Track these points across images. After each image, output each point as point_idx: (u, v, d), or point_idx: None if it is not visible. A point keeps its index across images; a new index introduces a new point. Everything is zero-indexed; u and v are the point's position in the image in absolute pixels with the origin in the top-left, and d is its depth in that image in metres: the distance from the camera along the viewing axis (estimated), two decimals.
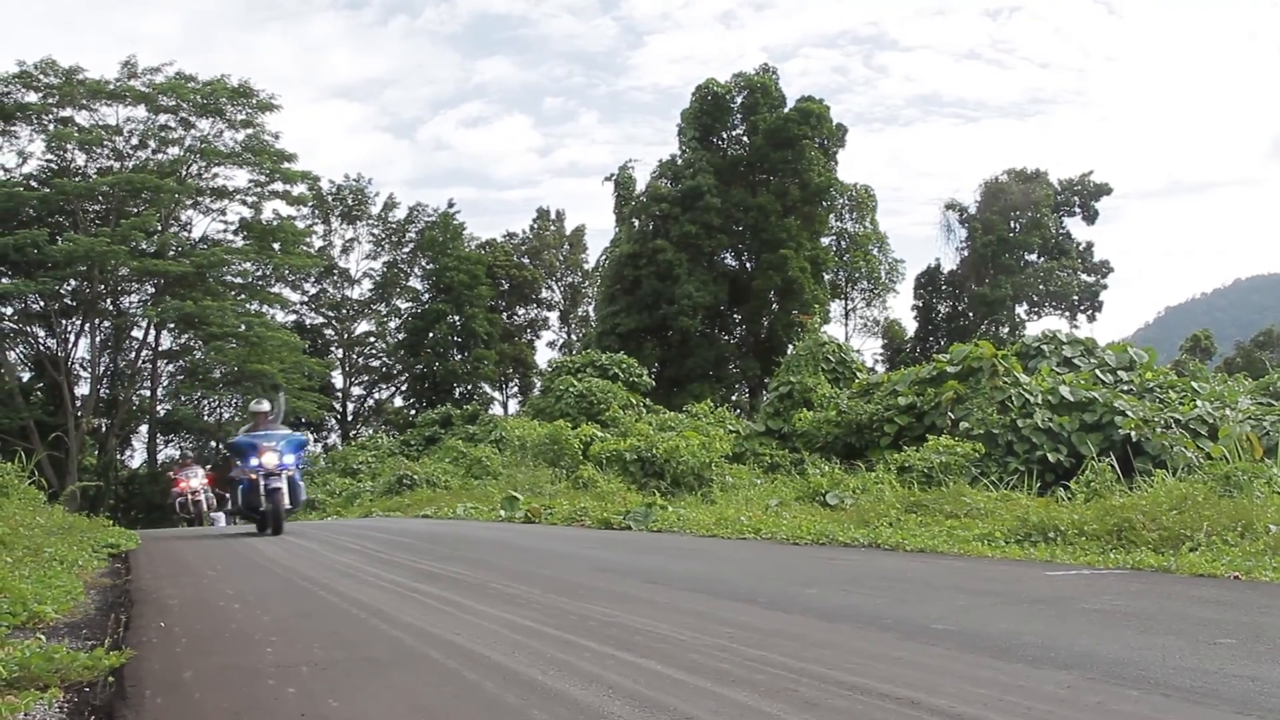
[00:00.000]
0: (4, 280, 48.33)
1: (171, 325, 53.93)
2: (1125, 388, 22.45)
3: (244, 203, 56.92)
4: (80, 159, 52.72)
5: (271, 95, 54.00)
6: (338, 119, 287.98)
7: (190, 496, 31.84)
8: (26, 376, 53.81)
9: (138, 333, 56.27)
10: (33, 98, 49.84)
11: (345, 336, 72.53)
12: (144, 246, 50.92)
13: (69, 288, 52.02)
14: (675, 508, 18.62)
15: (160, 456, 60.14)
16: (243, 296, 56.89)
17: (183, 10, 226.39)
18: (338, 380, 71.26)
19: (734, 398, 63.60)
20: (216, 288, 54.16)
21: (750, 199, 63.04)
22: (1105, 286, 75.78)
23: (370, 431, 67.39)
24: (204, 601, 8.42)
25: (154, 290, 53.99)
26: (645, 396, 43.25)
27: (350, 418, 72.80)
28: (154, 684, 5.06)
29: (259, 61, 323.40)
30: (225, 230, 57.68)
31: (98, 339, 53.76)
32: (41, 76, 49.21)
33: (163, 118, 53.03)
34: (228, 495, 40.65)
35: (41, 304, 51.09)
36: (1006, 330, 69.85)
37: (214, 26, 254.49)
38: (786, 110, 63.82)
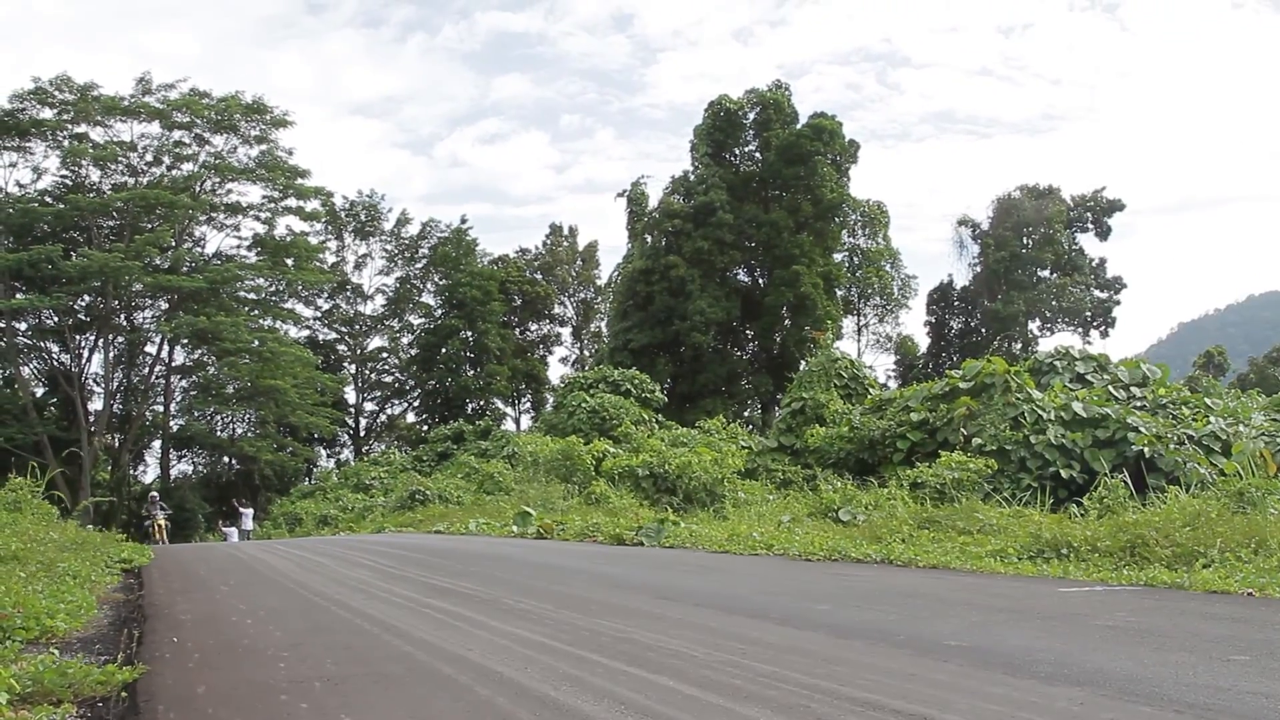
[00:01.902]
0: (18, 296, 48.56)
1: (185, 341, 54.11)
2: (1138, 404, 22.43)
3: (257, 219, 57.30)
4: (95, 175, 53.07)
5: (285, 112, 54.36)
6: (356, 136, 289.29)
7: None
8: (40, 392, 54.04)
9: (151, 348, 56.61)
10: (48, 114, 50.14)
11: (358, 352, 72.67)
12: (158, 262, 51.18)
13: (83, 303, 52.32)
14: (687, 524, 18.59)
15: (173, 472, 60.38)
16: (256, 312, 57.11)
17: (202, 29, 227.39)
18: (350, 396, 71.51)
19: (746, 413, 63.56)
20: (230, 303, 54.38)
21: (763, 215, 63.09)
22: (1118, 302, 75.68)
23: (383, 447, 67.44)
24: (217, 617, 8.43)
25: (167, 306, 54.22)
26: (657, 412, 43.26)
27: (363, 433, 72.91)
28: (167, 699, 5.07)
29: (277, 79, 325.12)
30: (239, 246, 58.11)
31: (111, 354, 53.96)
32: (56, 93, 49.52)
33: (177, 134, 53.36)
34: (242, 512, 41.04)
35: (56, 319, 51.34)
36: (1019, 346, 69.75)
37: (233, 45, 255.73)
38: (799, 126, 63.87)
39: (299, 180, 55.69)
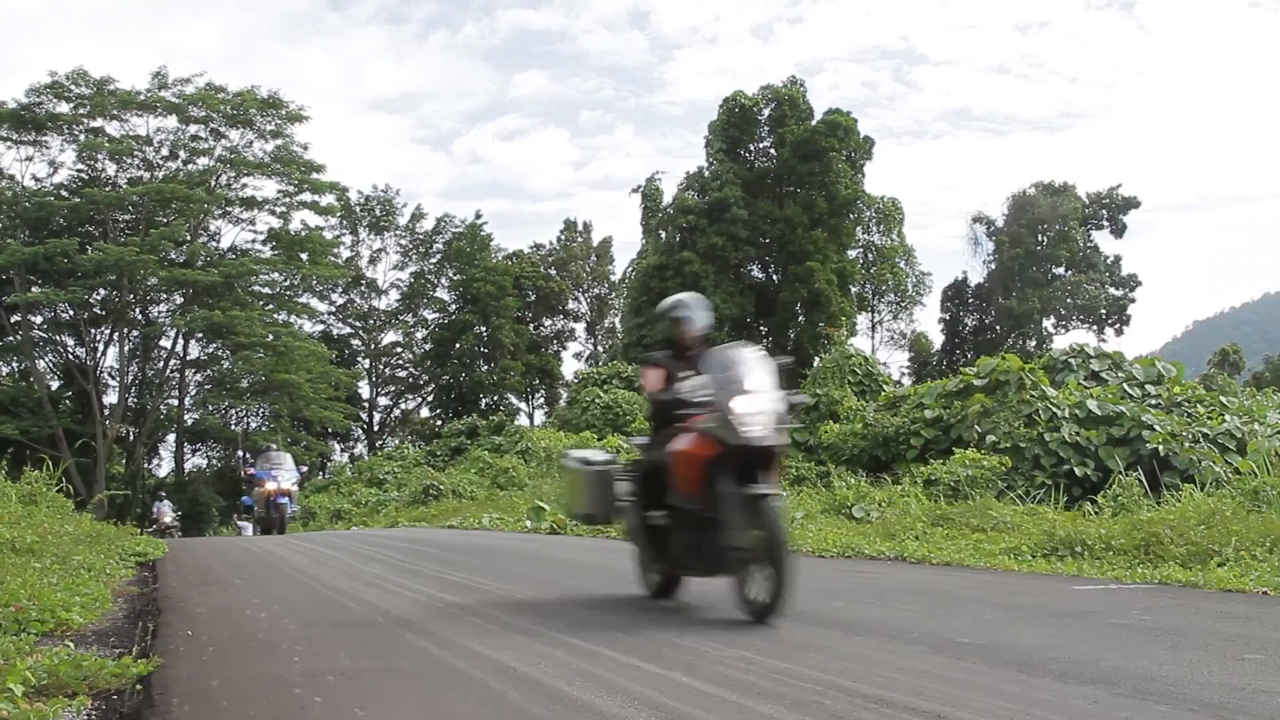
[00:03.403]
0: (34, 289, 48.70)
1: (200, 335, 54.22)
2: (1153, 402, 22.33)
3: (273, 213, 57.22)
4: (111, 169, 53.14)
5: (300, 106, 54.33)
6: (376, 131, 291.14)
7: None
8: (56, 385, 54.18)
9: (166, 342, 56.66)
10: (64, 108, 50.22)
11: (372, 347, 72.81)
12: (173, 256, 51.28)
13: (98, 297, 52.40)
14: None
15: (187, 466, 60.46)
16: (270, 306, 57.17)
17: (225, 24, 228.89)
18: (364, 390, 71.60)
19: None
20: (244, 297, 54.43)
21: (777, 211, 63.00)
22: (1133, 300, 75.47)
23: (396, 442, 67.46)
24: (231, 610, 8.46)
25: (182, 300, 54.33)
26: None
27: (376, 428, 73.05)
28: (181, 692, 5.09)
29: (300, 74, 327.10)
30: (254, 240, 58.08)
31: (126, 348, 54.09)
32: (73, 87, 49.57)
33: (193, 128, 53.36)
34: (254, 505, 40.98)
35: (71, 313, 51.39)
36: (1034, 344, 69.60)
37: (256, 40, 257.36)
38: (814, 123, 63.75)
39: (314, 175, 55.73)
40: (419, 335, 74.21)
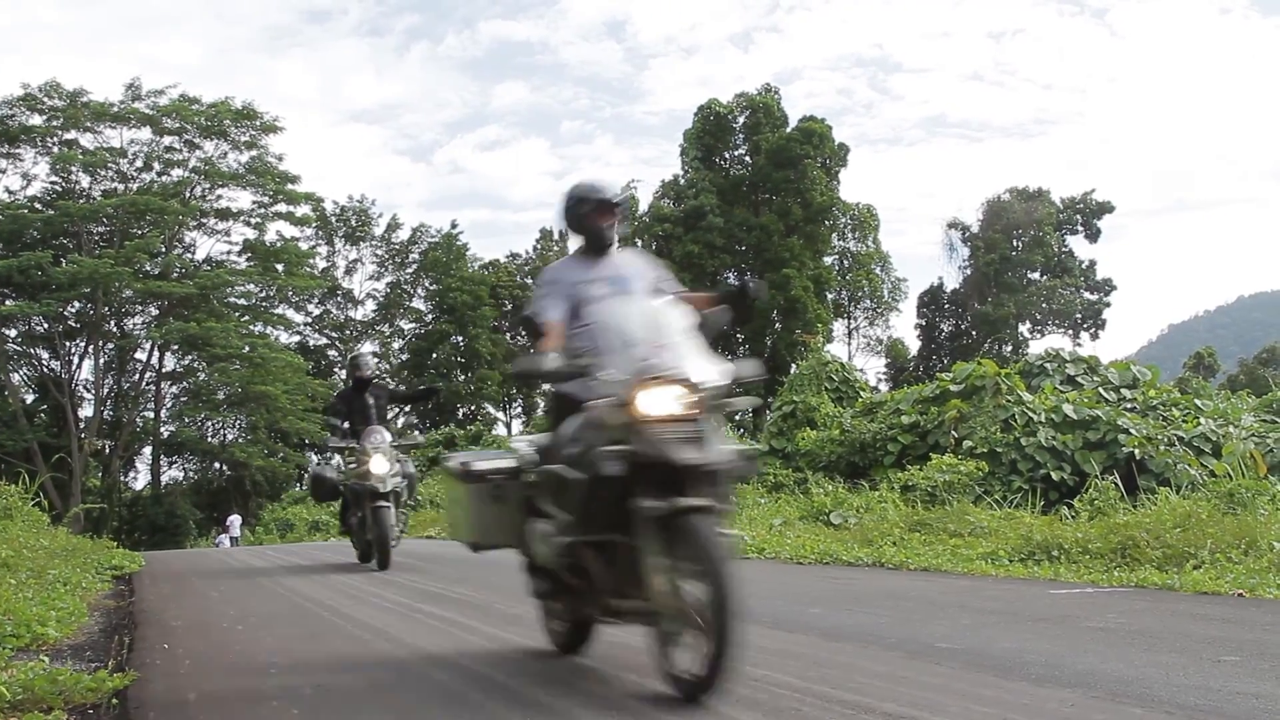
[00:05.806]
0: (8, 302, 48.43)
1: (175, 347, 53.95)
2: (1129, 406, 22.42)
3: (248, 224, 57.07)
4: (84, 181, 52.94)
5: (275, 117, 54.24)
6: (357, 142, 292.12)
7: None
8: (30, 398, 53.85)
9: (141, 354, 56.29)
10: (37, 120, 50.08)
11: (349, 357, 72.53)
12: (148, 268, 51.08)
13: (73, 310, 52.13)
14: None
15: (164, 478, 60.17)
16: (246, 318, 56.92)
17: (204, 39, 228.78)
18: None
19: (737, 417, 63.52)
20: (220, 309, 54.19)
21: (752, 219, 63.03)
22: (1108, 304, 75.83)
23: None
24: (207, 623, 8.42)
25: (158, 312, 54.07)
26: None
27: None
28: (157, 706, 5.06)
29: (281, 87, 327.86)
30: (229, 252, 57.85)
31: (101, 361, 53.76)
32: (46, 99, 49.42)
33: (167, 140, 53.22)
34: (229, 518, 40.64)
35: (45, 326, 51.18)
36: (1009, 349, 69.86)
37: (236, 53, 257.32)
38: (789, 130, 63.85)
39: (289, 185, 55.59)
40: (396, 345, 74.04)
